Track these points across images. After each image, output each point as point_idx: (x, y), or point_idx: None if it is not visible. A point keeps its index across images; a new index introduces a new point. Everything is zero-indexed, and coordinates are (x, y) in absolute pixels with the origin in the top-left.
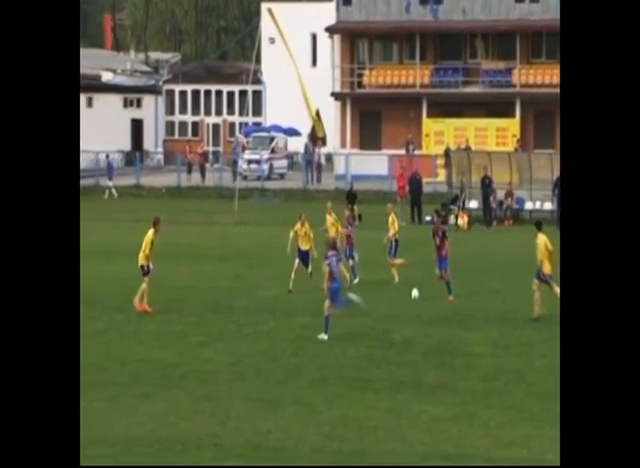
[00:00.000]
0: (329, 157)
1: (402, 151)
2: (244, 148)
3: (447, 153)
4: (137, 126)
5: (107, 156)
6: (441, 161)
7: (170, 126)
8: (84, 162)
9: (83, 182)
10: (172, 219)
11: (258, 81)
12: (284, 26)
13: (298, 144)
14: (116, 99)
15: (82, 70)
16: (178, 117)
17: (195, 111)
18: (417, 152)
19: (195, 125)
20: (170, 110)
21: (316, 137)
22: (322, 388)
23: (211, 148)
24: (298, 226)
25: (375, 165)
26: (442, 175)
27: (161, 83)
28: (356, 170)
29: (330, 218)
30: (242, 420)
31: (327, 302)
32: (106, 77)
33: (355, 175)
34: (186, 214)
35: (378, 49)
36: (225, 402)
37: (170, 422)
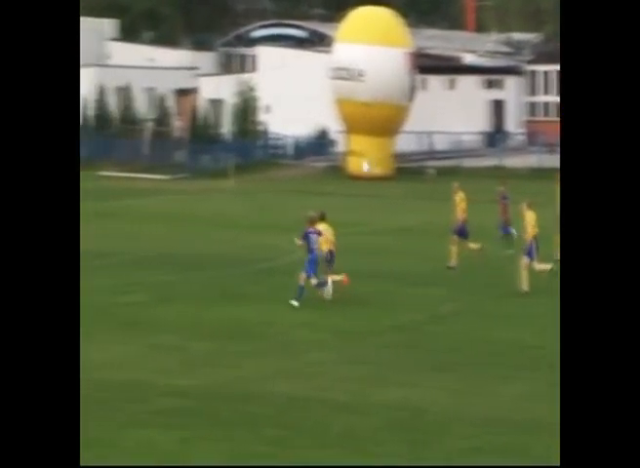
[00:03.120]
0: None
1: None
2: None
3: None
4: (497, 107)
5: (428, 138)
6: None
7: (531, 106)
8: (445, 143)
9: (442, 163)
10: (533, 202)
11: None
12: None
13: None
14: (477, 81)
15: (443, 52)
16: (540, 98)
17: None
18: None
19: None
20: (531, 91)
21: None
22: None
23: None
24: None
25: None
26: None
27: (523, 64)
28: None
29: (457, 197)
30: None
31: (302, 274)
32: (468, 59)
33: None
34: (544, 196)
35: None
36: None
37: (526, 407)
